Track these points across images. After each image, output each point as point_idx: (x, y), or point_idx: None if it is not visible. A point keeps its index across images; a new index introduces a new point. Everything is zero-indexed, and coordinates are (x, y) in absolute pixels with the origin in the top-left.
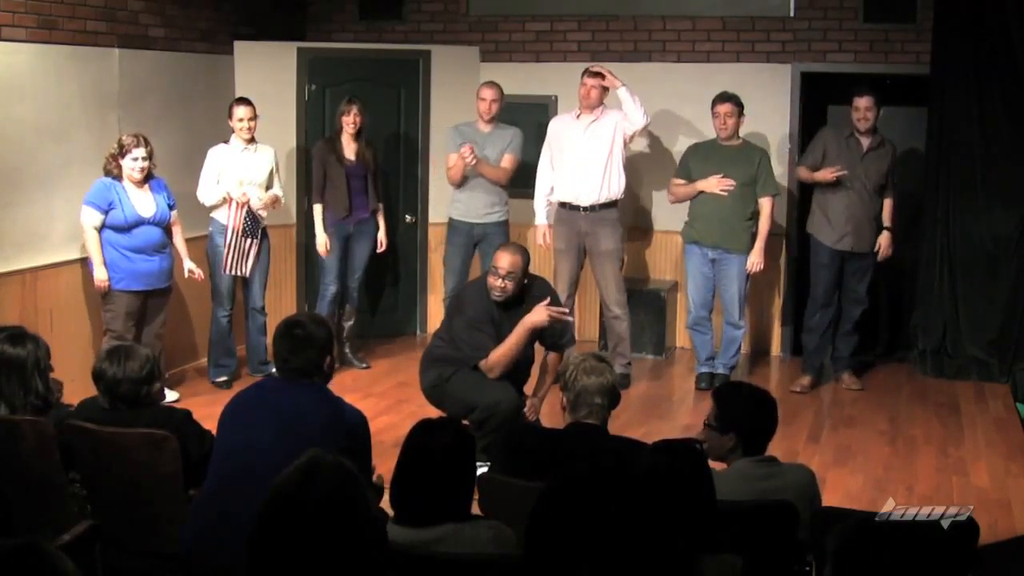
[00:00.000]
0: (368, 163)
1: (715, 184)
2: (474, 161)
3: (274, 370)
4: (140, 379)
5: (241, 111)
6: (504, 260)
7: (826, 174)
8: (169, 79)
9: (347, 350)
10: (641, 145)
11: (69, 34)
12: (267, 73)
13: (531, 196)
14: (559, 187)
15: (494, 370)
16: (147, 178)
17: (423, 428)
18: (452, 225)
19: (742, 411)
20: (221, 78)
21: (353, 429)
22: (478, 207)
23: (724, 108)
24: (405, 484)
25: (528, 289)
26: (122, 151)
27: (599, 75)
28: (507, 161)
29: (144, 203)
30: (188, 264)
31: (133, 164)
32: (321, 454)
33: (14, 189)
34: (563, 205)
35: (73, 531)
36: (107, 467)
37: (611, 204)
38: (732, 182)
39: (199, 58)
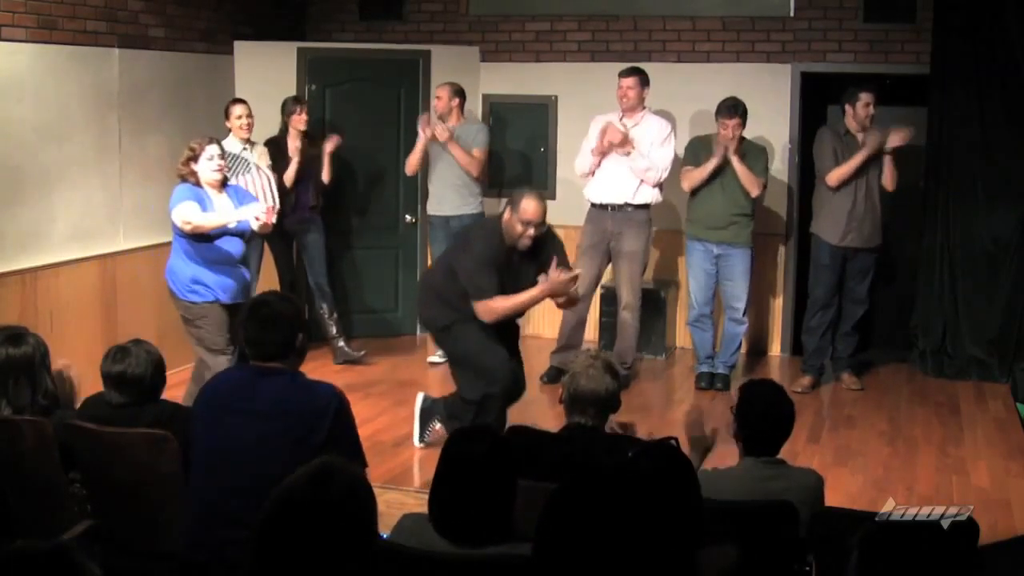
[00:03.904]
0: (311, 161)
1: (729, 143)
2: (431, 132)
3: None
4: (151, 376)
5: (239, 109)
6: (533, 207)
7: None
8: (169, 79)
9: (341, 343)
10: None
11: (69, 34)
12: (267, 73)
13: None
14: (593, 187)
15: (492, 314)
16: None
17: (459, 437)
18: (430, 221)
19: (755, 409)
20: (221, 78)
21: (334, 410)
22: (451, 201)
23: (733, 122)
24: (445, 496)
25: (543, 240)
26: (195, 154)
27: (633, 74)
28: (476, 152)
29: (226, 211)
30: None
31: (209, 164)
32: (333, 459)
33: (14, 189)
34: (593, 205)
35: (73, 531)
36: (107, 467)
37: (642, 207)
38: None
39: (199, 58)
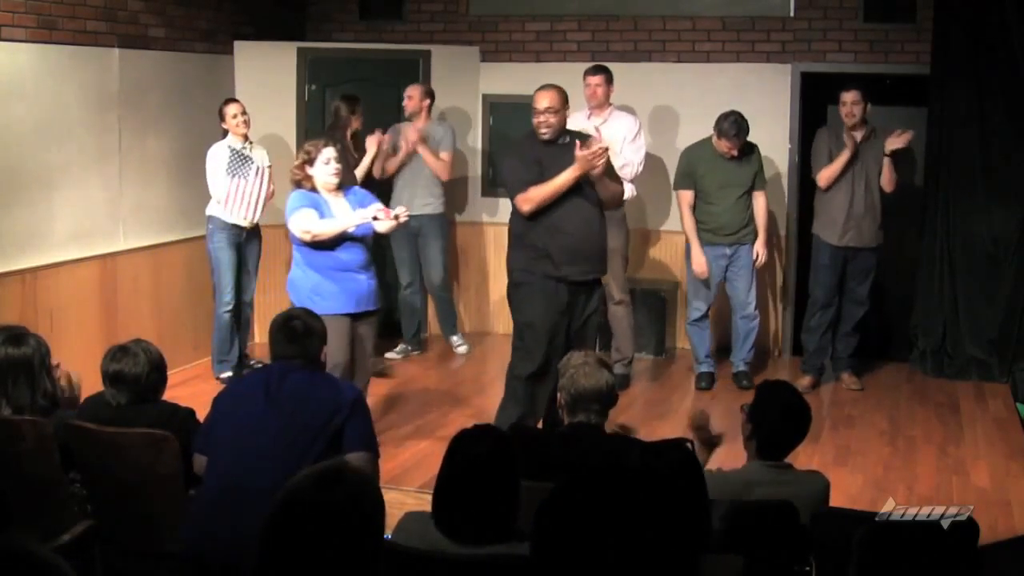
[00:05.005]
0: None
1: (699, 269)
2: (416, 139)
3: (254, 363)
4: (148, 375)
5: (234, 108)
6: (540, 98)
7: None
8: (169, 79)
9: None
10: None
11: (69, 34)
12: (267, 73)
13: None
14: None
15: (530, 203)
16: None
17: (463, 438)
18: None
19: (771, 411)
20: (221, 78)
21: (351, 401)
22: (414, 200)
23: (731, 143)
24: (449, 495)
25: (577, 135)
26: (310, 158)
27: (600, 72)
28: (443, 156)
29: (345, 216)
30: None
31: (326, 168)
32: (342, 462)
33: (14, 189)
34: None
35: (73, 531)
36: (107, 467)
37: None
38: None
39: (199, 58)
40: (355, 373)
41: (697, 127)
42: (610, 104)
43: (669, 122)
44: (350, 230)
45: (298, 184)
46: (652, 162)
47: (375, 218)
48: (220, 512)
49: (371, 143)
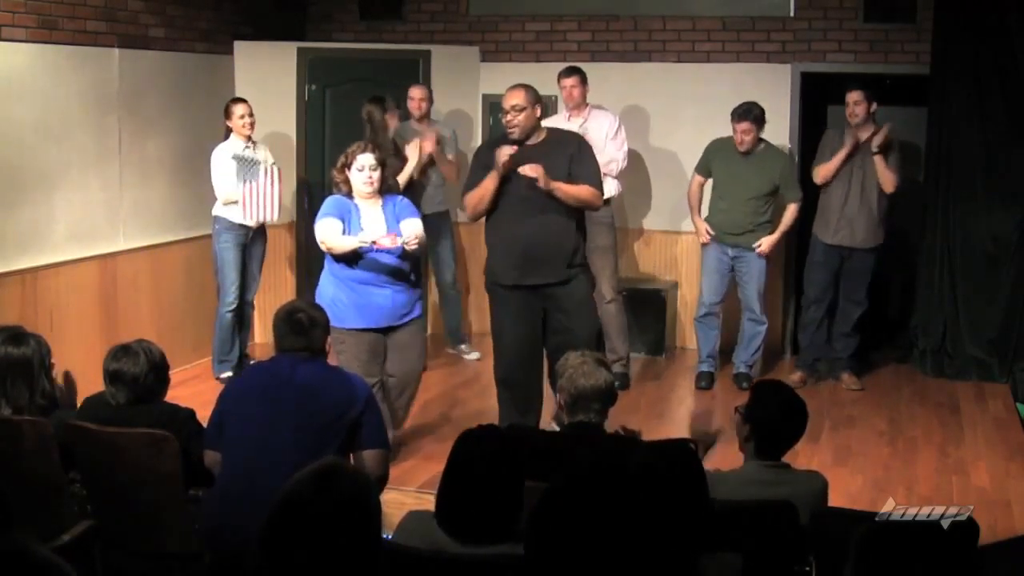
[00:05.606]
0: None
1: (700, 228)
2: (431, 146)
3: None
4: (147, 376)
5: (241, 108)
6: (506, 97)
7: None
8: (169, 79)
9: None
10: (640, 145)
11: (69, 34)
12: (267, 73)
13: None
14: None
15: (468, 208)
16: (384, 194)
17: (467, 438)
18: None
19: (768, 411)
20: (221, 78)
21: (365, 398)
22: (421, 201)
23: (742, 126)
24: (452, 495)
25: (551, 133)
26: (347, 162)
27: (574, 74)
28: (451, 159)
29: (374, 228)
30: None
31: (360, 175)
32: (340, 461)
33: (14, 189)
34: None
35: (73, 531)
36: (107, 467)
37: (604, 202)
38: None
39: (199, 58)
40: (403, 384)
41: (697, 127)
42: (587, 104)
43: (669, 122)
44: (381, 244)
45: (336, 187)
46: (651, 162)
47: (374, 242)
48: (238, 508)
49: (412, 150)
